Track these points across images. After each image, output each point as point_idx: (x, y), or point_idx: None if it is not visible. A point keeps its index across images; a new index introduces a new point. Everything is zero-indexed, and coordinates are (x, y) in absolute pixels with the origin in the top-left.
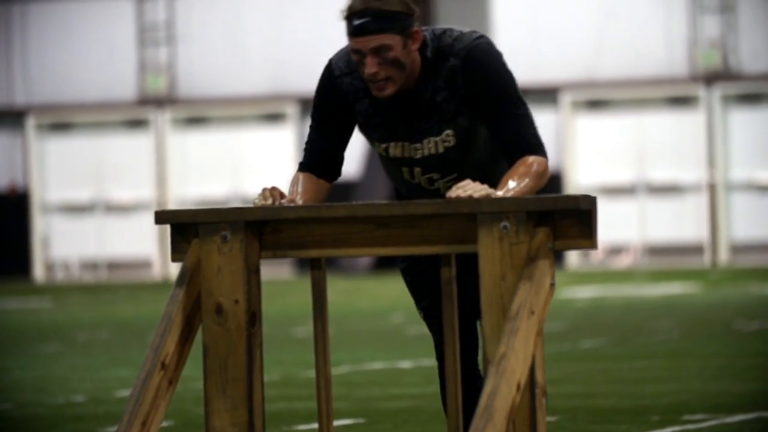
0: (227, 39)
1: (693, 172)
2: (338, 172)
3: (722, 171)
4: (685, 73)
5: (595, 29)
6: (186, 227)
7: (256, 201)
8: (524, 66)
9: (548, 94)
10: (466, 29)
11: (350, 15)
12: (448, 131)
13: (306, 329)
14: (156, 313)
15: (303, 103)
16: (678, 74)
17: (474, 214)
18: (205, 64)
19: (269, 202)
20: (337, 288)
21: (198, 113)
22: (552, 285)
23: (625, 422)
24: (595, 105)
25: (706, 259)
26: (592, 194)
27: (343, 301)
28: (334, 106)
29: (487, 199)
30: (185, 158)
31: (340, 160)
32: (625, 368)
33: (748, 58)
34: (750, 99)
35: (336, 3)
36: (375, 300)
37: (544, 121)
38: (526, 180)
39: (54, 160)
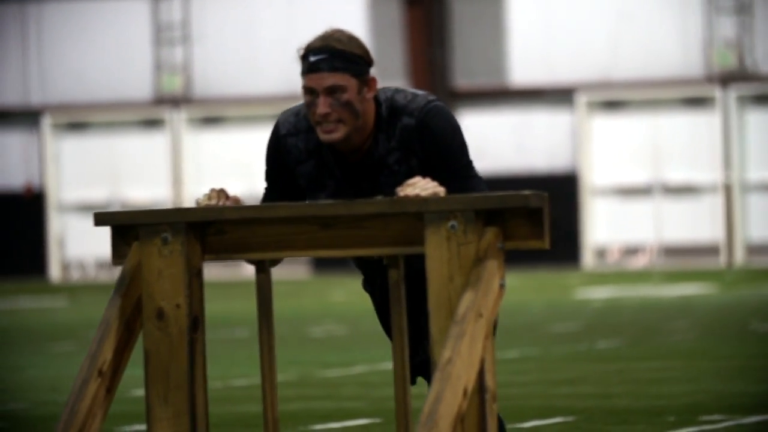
0: (242, 39)
1: (708, 172)
2: None
3: (738, 172)
4: (700, 73)
5: (611, 30)
6: (126, 229)
7: (200, 201)
8: (540, 67)
9: (564, 95)
10: (420, 91)
11: (307, 52)
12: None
13: (322, 329)
14: None
15: None
16: (693, 75)
17: (421, 213)
18: (220, 64)
19: (213, 202)
20: (350, 288)
21: (213, 113)
22: (502, 286)
23: (641, 423)
24: (611, 106)
25: (722, 259)
26: (609, 195)
27: (358, 301)
28: (281, 166)
29: (434, 198)
30: (200, 158)
31: None
32: (640, 369)
33: (764, 58)
34: (766, 100)
35: (352, 3)
36: None
37: (559, 122)
38: None
39: (69, 159)
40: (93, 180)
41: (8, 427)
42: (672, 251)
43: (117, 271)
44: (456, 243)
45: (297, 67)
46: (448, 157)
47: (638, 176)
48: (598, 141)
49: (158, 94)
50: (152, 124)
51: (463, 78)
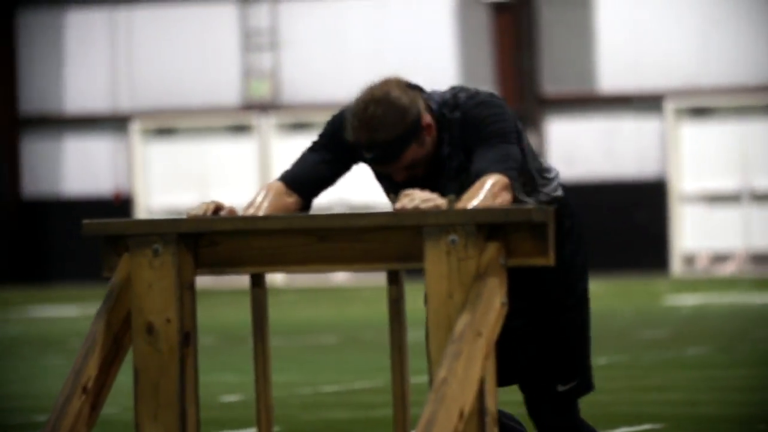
0: (330, 45)
1: None
2: (315, 195)
3: None
4: None
5: (699, 36)
6: (116, 240)
7: (191, 212)
8: (627, 74)
9: (652, 102)
10: (485, 91)
11: (357, 145)
12: (451, 196)
13: (411, 335)
14: None
15: None
16: None
17: (420, 226)
18: (309, 70)
19: (201, 211)
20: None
21: (301, 119)
22: (503, 304)
23: (730, 430)
24: (699, 112)
25: None
26: (697, 202)
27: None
28: (344, 142)
29: (433, 211)
30: (289, 163)
31: (321, 185)
32: (729, 376)
33: None
34: None
35: (440, 9)
36: None
37: (647, 128)
38: (480, 195)
39: (158, 165)
40: (181, 185)
41: None
42: (760, 258)
43: (207, 277)
44: (456, 258)
45: (385, 73)
46: (483, 138)
47: (726, 183)
48: (687, 148)
49: (246, 99)
50: (240, 129)
51: (551, 85)
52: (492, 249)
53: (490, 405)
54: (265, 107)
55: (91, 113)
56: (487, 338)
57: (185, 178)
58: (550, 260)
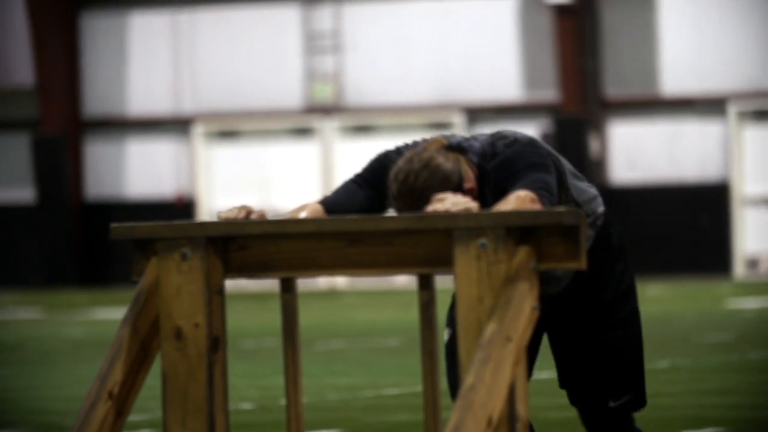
0: (393, 47)
1: None
2: None
3: None
4: None
5: (762, 39)
6: (145, 243)
7: (222, 215)
8: (690, 76)
9: (715, 105)
10: (524, 135)
11: (399, 212)
12: None
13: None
14: (322, 321)
15: (468, 112)
16: None
17: (450, 229)
18: (372, 73)
19: (233, 215)
20: None
21: (364, 121)
22: (534, 309)
23: None
24: (763, 115)
25: None
26: (760, 205)
27: None
28: (385, 184)
29: (463, 214)
30: (351, 166)
31: None
32: None
33: None
34: None
35: (503, 12)
36: None
37: (710, 131)
38: (509, 205)
39: (220, 167)
40: (243, 188)
41: None
42: None
43: (269, 280)
44: (486, 262)
45: (449, 76)
46: (514, 174)
47: None
48: (750, 151)
49: (309, 102)
50: (303, 132)
51: (614, 88)
52: (522, 253)
53: (521, 411)
54: (327, 110)
55: (154, 116)
56: (517, 343)
57: (247, 181)
58: (582, 264)
